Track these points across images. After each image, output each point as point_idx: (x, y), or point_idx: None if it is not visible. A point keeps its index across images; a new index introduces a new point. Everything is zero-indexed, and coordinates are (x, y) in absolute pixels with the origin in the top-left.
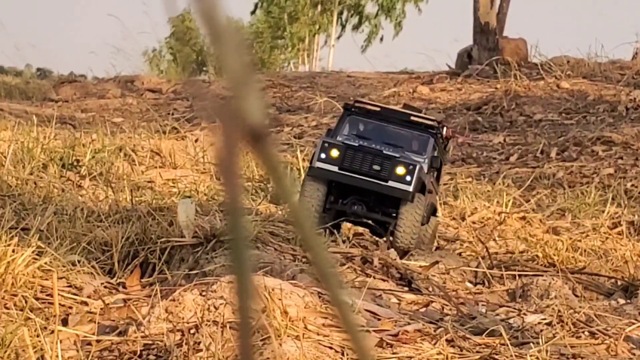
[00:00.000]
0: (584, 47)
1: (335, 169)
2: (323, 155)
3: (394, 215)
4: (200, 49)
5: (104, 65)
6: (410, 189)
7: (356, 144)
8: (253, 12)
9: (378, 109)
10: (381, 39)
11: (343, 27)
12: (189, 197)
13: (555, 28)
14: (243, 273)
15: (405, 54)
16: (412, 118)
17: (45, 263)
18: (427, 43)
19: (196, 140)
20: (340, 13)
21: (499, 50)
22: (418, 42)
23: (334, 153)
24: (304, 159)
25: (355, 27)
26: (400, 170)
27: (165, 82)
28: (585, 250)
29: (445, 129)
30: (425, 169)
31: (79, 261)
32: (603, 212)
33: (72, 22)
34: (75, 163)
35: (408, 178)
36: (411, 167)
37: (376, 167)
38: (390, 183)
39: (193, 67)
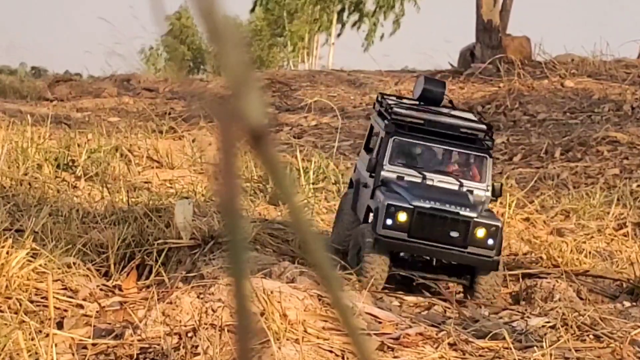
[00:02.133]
0: (588, 45)
1: (403, 236)
2: (389, 222)
3: (470, 277)
4: (196, 48)
5: (99, 64)
6: (494, 254)
7: (427, 205)
8: (252, 10)
9: (421, 121)
10: (381, 37)
11: (343, 25)
12: (187, 198)
13: (560, 26)
14: (241, 275)
15: (404, 53)
16: (462, 130)
17: (40, 265)
18: (427, 42)
19: (194, 140)
20: (342, 10)
21: (502, 49)
22: (418, 41)
23: (402, 217)
24: (303, 159)
25: (355, 24)
26: (480, 233)
27: (162, 81)
28: (590, 252)
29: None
30: (487, 202)
31: (74, 263)
32: (608, 213)
33: (67, 20)
34: (70, 163)
35: (490, 242)
36: (493, 228)
37: (453, 234)
38: (471, 249)
39: (190, 65)
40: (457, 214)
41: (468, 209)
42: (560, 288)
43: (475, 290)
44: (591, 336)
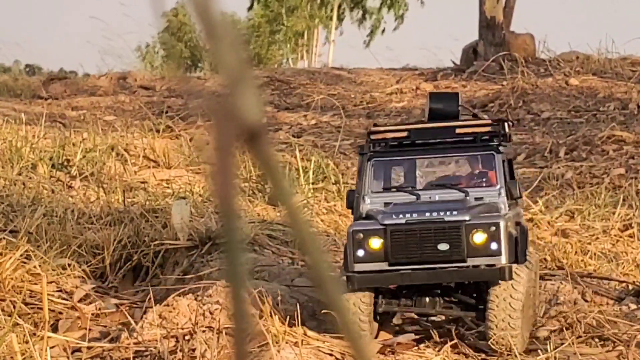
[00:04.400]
0: (593, 42)
1: (383, 266)
2: (361, 253)
3: (481, 298)
4: (194, 45)
5: (95, 61)
6: (503, 260)
7: (402, 221)
8: (250, 8)
9: (404, 133)
10: (382, 31)
11: (341, 21)
12: (184, 198)
13: (564, 23)
14: (238, 277)
15: (407, 49)
16: (458, 131)
17: (34, 267)
18: (431, 39)
19: (191, 139)
20: (340, 6)
21: (506, 46)
22: (422, 38)
23: (375, 243)
24: (302, 159)
25: (360, 21)
26: (479, 237)
27: (159, 79)
28: (595, 254)
29: (507, 125)
30: (505, 207)
31: (69, 265)
32: (614, 213)
33: (62, 17)
34: (65, 163)
35: (494, 246)
36: (492, 228)
37: (443, 247)
38: (470, 262)
39: (187, 63)
40: (442, 220)
41: (456, 212)
42: (565, 290)
43: (488, 318)
44: (596, 339)
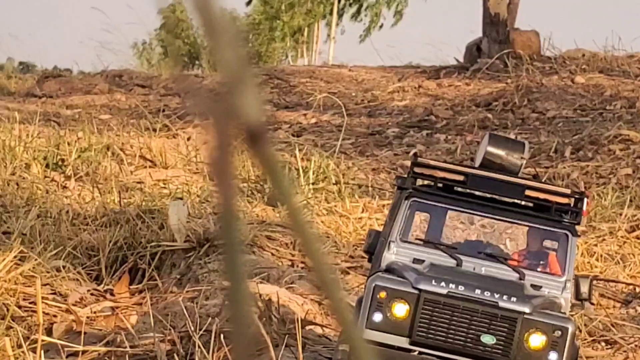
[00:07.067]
0: (600, 39)
1: (402, 342)
2: (378, 317)
3: None
4: (192, 42)
5: (90, 59)
6: None
7: (443, 291)
8: (249, 3)
9: (460, 177)
10: (380, 27)
11: (340, 16)
12: (181, 198)
13: (570, 19)
14: (237, 279)
15: (410, 46)
16: (528, 193)
17: (29, 269)
18: (434, 35)
19: (188, 139)
20: (339, 2)
21: (510, 43)
22: (424, 34)
23: (400, 310)
24: (302, 159)
25: (354, 16)
26: (535, 340)
27: (156, 77)
28: (601, 255)
29: (586, 202)
30: (568, 308)
31: (63, 267)
32: (620, 214)
33: (57, 13)
34: (60, 163)
35: (553, 356)
36: (558, 332)
37: (487, 339)
38: None
39: (185, 60)
40: (495, 305)
41: (515, 299)
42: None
43: None
44: (603, 343)
